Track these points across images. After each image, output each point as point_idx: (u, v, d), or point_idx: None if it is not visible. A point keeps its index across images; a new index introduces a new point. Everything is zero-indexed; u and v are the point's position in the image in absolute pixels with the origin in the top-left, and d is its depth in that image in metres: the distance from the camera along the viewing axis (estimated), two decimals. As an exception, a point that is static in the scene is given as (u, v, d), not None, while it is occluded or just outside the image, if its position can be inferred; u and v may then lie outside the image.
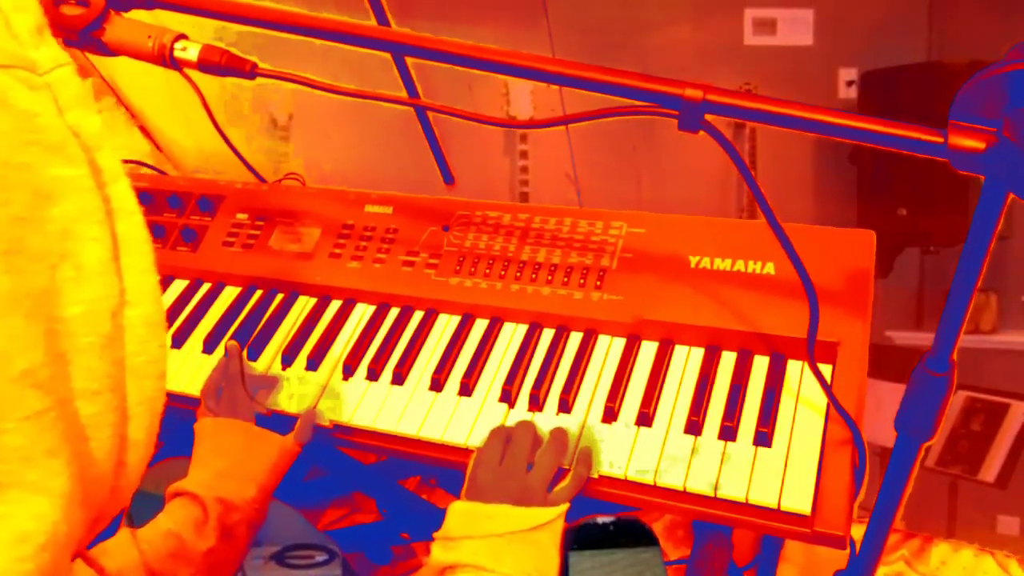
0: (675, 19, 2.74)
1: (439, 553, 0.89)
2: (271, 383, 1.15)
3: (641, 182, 2.67)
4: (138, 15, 0.89)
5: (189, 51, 0.86)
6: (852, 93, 2.79)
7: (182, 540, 0.94)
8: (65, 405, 0.44)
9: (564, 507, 0.91)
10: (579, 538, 1.28)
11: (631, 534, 1.32)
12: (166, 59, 0.85)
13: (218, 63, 0.86)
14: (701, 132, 0.73)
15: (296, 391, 1.15)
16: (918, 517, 1.76)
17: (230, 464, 1.00)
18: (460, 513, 0.93)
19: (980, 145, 0.64)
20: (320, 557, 1.69)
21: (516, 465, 0.96)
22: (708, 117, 0.73)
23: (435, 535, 0.92)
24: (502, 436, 1.00)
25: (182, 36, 0.86)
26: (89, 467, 0.46)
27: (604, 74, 0.73)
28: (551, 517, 0.90)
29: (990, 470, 2.34)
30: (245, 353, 1.17)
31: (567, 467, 0.99)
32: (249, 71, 0.87)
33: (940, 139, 0.67)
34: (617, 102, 0.76)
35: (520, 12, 2.50)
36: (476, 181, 2.41)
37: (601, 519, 1.15)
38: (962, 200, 2.49)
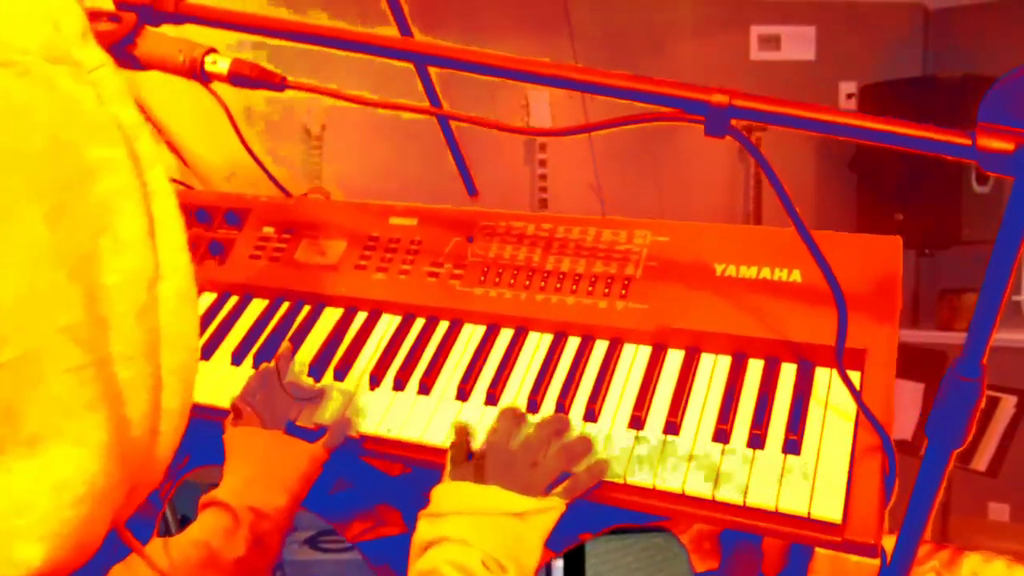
0: (684, 35, 2.80)
1: (425, 529, 0.90)
2: (313, 394, 1.15)
3: (643, 189, 2.69)
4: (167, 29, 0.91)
5: (220, 64, 0.87)
6: (852, 105, 2.91)
7: (212, 549, 0.95)
8: (104, 365, 0.47)
9: (555, 502, 0.91)
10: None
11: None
12: (197, 73, 0.87)
13: (248, 76, 0.87)
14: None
15: (324, 402, 1.15)
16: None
17: (260, 472, 1.00)
18: (449, 491, 0.94)
19: (1009, 146, 0.64)
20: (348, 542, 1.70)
21: (525, 457, 0.96)
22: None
23: (421, 513, 0.92)
24: (510, 417, 1.01)
25: (212, 50, 0.88)
26: (126, 429, 0.49)
27: (630, 81, 0.74)
28: (539, 507, 0.90)
29: (982, 460, 2.44)
30: (269, 364, 1.18)
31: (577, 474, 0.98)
32: (279, 83, 0.88)
33: (968, 141, 0.67)
34: (641, 109, 0.77)
35: (541, 26, 2.53)
36: (496, 189, 2.44)
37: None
38: (955, 205, 2.57)
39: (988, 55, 2.66)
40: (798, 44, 2.92)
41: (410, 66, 1.82)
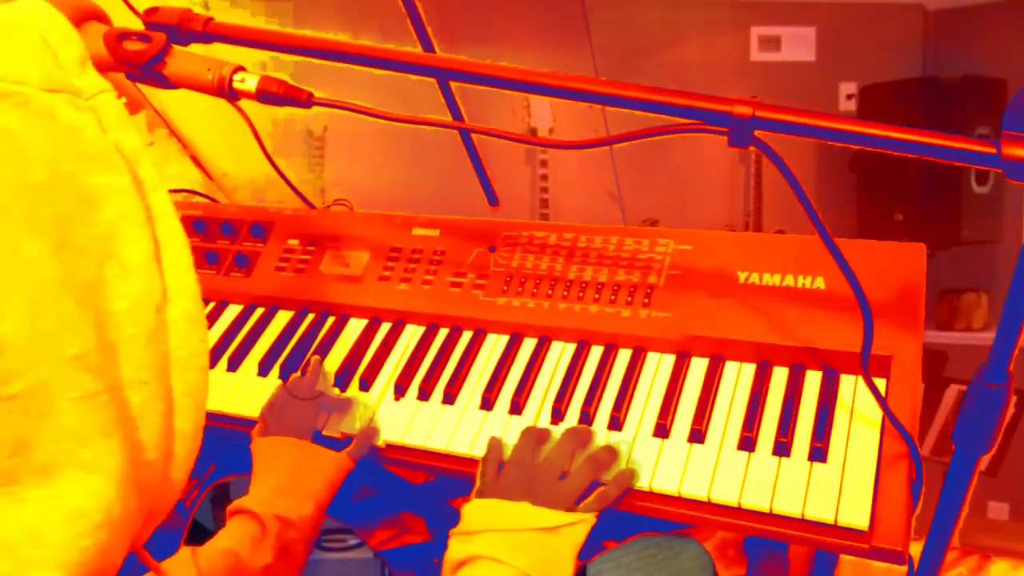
0: (684, 37, 2.83)
1: (456, 548, 0.90)
2: (341, 405, 1.16)
3: (642, 192, 2.71)
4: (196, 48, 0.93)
5: (247, 82, 0.89)
6: (852, 106, 2.93)
7: (239, 557, 0.96)
8: (116, 391, 0.47)
9: (586, 516, 0.91)
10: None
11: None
12: (225, 91, 0.88)
13: (276, 93, 0.88)
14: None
15: (349, 412, 1.16)
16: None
17: (287, 481, 1.02)
18: (479, 508, 0.94)
19: (1035, 155, 0.64)
20: (352, 541, 1.71)
21: (550, 471, 0.97)
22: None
23: (451, 531, 0.93)
24: (533, 436, 1.02)
25: (240, 68, 0.89)
26: (140, 453, 0.49)
27: (652, 93, 0.74)
28: (569, 521, 0.90)
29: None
30: (297, 375, 1.19)
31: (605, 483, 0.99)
32: (305, 100, 0.89)
33: (993, 150, 0.67)
34: (659, 120, 0.77)
35: (560, 33, 2.55)
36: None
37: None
38: (955, 205, 2.58)
39: (988, 55, 2.65)
40: (798, 45, 2.94)
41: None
